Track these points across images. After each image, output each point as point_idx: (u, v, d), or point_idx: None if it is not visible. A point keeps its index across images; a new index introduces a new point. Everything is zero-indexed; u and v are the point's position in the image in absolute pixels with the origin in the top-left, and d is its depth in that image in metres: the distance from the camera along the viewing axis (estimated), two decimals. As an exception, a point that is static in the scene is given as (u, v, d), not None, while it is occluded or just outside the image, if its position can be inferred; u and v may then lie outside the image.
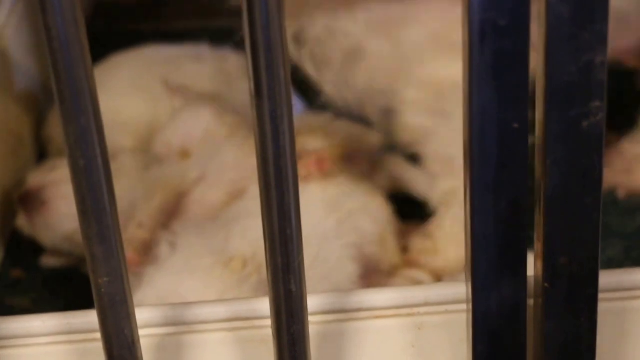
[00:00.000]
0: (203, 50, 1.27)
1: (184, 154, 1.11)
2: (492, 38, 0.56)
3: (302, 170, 1.02)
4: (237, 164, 1.06)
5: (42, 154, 1.26)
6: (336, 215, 1.01)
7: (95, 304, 0.61)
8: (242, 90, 1.19)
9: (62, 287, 1.09)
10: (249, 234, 0.98)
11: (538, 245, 0.61)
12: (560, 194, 0.59)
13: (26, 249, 1.11)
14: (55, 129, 1.25)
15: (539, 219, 0.61)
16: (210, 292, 0.94)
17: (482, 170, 0.59)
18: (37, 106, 1.29)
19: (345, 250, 0.98)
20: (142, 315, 0.68)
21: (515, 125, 0.58)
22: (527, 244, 0.61)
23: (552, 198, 0.60)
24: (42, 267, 1.11)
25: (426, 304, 0.71)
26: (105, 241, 0.59)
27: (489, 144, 0.58)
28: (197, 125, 1.12)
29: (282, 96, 0.55)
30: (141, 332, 0.63)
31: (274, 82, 0.55)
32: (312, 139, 1.06)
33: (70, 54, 0.53)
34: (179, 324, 0.71)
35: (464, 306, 0.66)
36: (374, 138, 1.12)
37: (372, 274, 0.99)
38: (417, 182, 1.11)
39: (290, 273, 0.60)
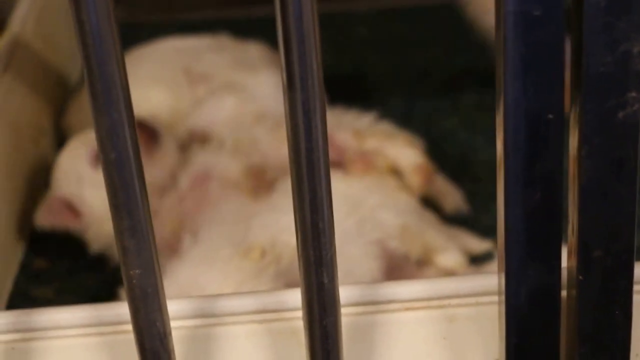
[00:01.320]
0: (223, 40, 1.27)
1: (204, 141, 1.11)
2: (526, 29, 0.56)
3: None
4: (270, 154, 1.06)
5: (61, 143, 1.26)
6: (359, 211, 1.00)
7: (127, 296, 0.61)
8: (263, 79, 1.19)
9: (85, 277, 1.09)
10: (269, 225, 0.97)
11: (572, 237, 0.61)
12: (595, 185, 0.59)
13: (49, 239, 1.12)
14: (74, 117, 1.25)
15: (573, 211, 0.60)
16: (229, 283, 0.94)
17: (517, 161, 0.58)
18: (56, 95, 1.29)
19: (367, 247, 0.98)
20: (172, 307, 0.68)
21: (550, 116, 0.57)
22: (561, 235, 0.61)
23: (586, 190, 0.59)
24: (65, 257, 1.11)
25: (457, 296, 0.71)
26: (137, 234, 0.59)
27: (523, 135, 0.58)
28: (220, 113, 1.12)
29: (314, 88, 0.55)
30: (171, 324, 0.63)
31: (306, 74, 0.55)
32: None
33: (102, 49, 0.52)
34: (209, 316, 0.71)
35: (495, 298, 0.65)
36: (417, 142, 1.12)
37: (397, 269, 0.98)
38: (446, 195, 1.12)
39: (322, 266, 0.59)
